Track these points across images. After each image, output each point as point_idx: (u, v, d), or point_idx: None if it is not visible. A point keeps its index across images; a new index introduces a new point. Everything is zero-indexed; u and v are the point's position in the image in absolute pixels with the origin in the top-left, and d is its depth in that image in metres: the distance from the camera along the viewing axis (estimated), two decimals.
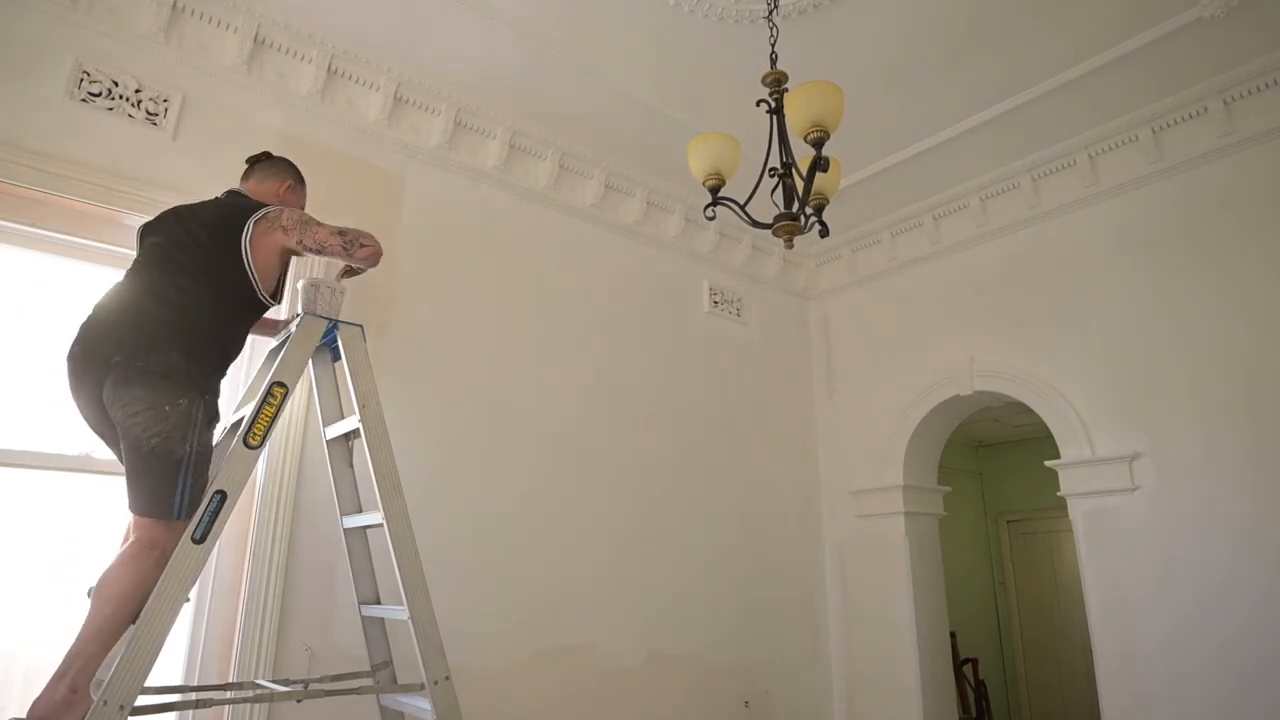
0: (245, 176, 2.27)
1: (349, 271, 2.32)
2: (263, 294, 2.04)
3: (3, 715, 2.17)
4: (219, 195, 2.18)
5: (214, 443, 1.97)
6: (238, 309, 2.03)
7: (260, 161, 2.30)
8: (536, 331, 3.43)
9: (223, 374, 2.02)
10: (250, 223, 2.02)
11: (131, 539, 1.82)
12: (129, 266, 2.01)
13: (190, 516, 1.80)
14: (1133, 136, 3.35)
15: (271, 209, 2.08)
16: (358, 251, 2.10)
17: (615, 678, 3.30)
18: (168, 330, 1.87)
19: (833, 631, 4.20)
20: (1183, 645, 2.99)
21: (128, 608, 1.72)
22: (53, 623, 2.25)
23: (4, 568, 2.25)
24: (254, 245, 2.00)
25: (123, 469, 1.86)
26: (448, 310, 3.16)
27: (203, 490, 1.85)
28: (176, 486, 1.81)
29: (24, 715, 1.66)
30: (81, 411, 1.90)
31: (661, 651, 3.49)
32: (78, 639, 1.71)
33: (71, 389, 1.88)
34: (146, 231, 2.05)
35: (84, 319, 1.90)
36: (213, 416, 1.92)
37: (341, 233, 2.09)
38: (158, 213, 2.15)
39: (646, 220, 3.96)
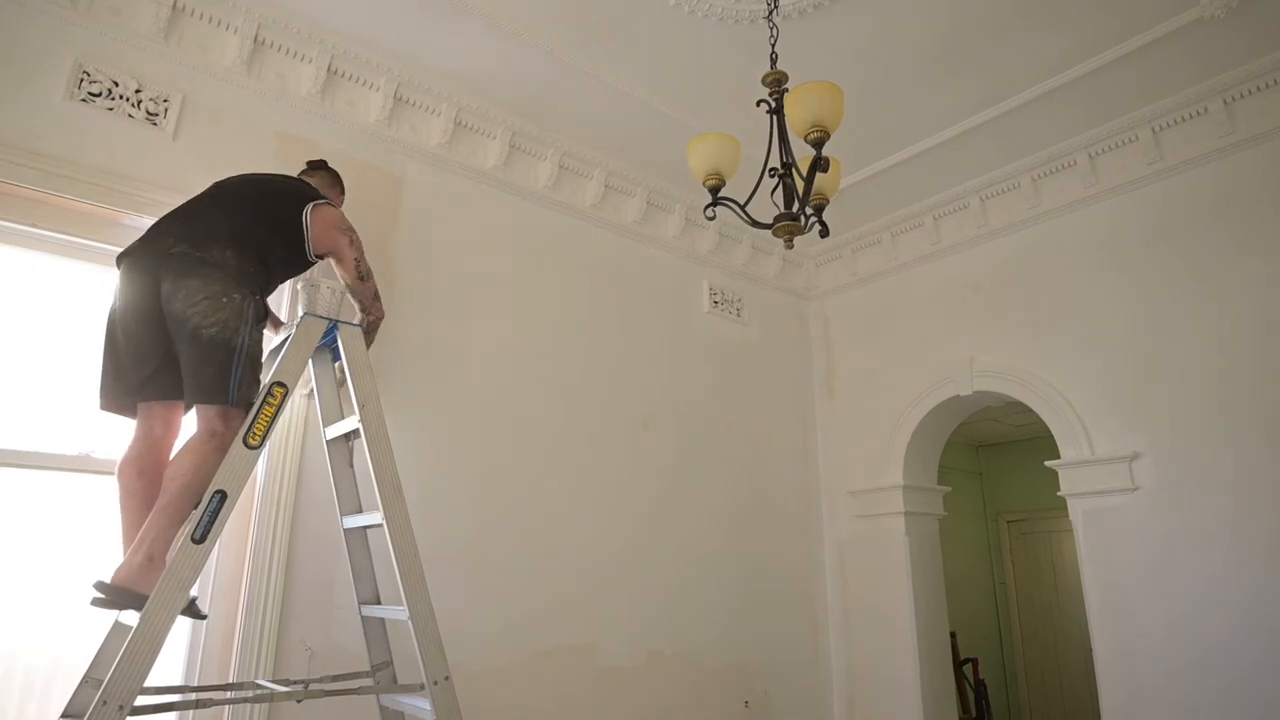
0: (304, 176, 2.51)
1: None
2: (310, 248, 2.24)
3: (3, 715, 2.17)
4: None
5: (263, 342, 2.11)
6: (282, 236, 2.20)
7: (321, 170, 2.59)
8: (536, 331, 3.43)
9: (266, 280, 2.14)
10: (323, 202, 2.30)
11: (197, 429, 1.96)
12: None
13: (244, 406, 1.96)
14: (1133, 137, 3.35)
15: (344, 221, 2.36)
16: (376, 306, 2.42)
17: (615, 677, 3.30)
18: (222, 228, 2.04)
19: (833, 631, 4.20)
20: (1181, 643, 2.99)
21: (191, 488, 1.87)
22: (52, 623, 2.26)
23: (4, 568, 2.25)
24: (316, 214, 2.25)
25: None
26: (447, 310, 3.16)
27: (253, 386, 2.00)
28: (231, 373, 1.93)
29: (107, 579, 1.80)
30: (127, 311, 1.96)
31: (661, 651, 3.49)
32: (151, 515, 1.87)
33: (122, 288, 1.98)
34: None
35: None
36: (261, 316, 2.07)
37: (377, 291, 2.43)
38: (159, 211, 2.25)
39: (647, 220, 3.96)
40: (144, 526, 1.87)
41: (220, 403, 1.94)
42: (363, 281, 2.36)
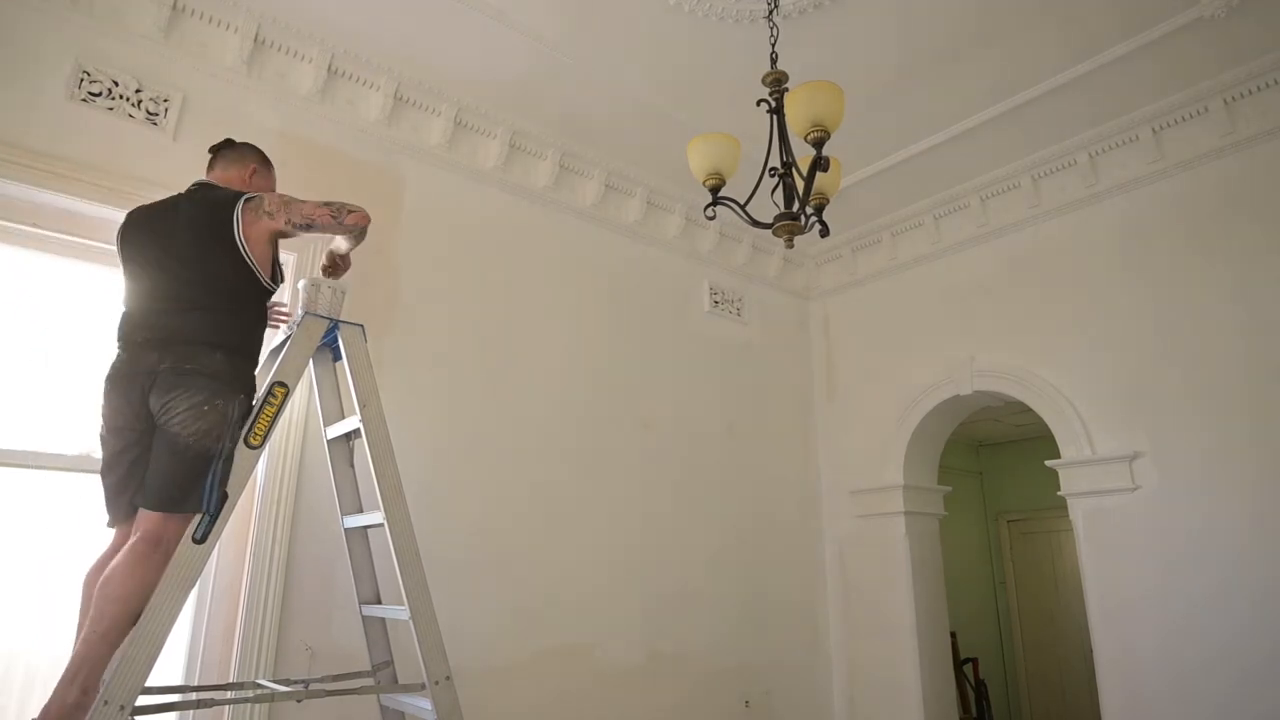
0: (210, 166, 2.22)
1: (332, 267, 2.34)
2: (265, 281, 2.04)
3: (3, 715, 2.17)
4: (190, 188, 2.09)
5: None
6: (251, 301, 2.04)
7: (224, 149, 2.24)
8: (537, 332, 3.43)
9: (255, 367, 2.06)
10: (237, 214, 1.99)
11: (137, 537, 1.79)
12: (130, 271, 2.01)
13: (217, 512, 1.84)
14: (1133, 136, 3.35)
15: (252, 196, 2.03)
16: (347, 218, 2.07)
17: (615, 678, 3.30)
18: (205, 333, 1.92)
19: (833, 631, 4.20)
20: (1183, 644, 2.99)
21: (134, 607, 1.71)
22: (53, 623, 2.26)
23: (4, 568, 2.25)
24: (245, 235, 1.99)
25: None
26: (448, 310, 3.16)
27: (224, 490, 1.88)
28: (206, 481, 1.84)
29: (36, 717, 1.63)
30: (113, 407, 1.91)
31: (662, 651, 3.49)
32: (85, 641, 1.68)
33: (107, 395, 1.91)
34: (134, 239, 2.03)
35: (121, 334, 1.95)
36: (246, 413, 1.95)
37: (327, 204, 2.06)
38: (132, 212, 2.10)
39: (647, 220, 3.96)
40: (78, 655, 1.68)
41: (188, 510, 1.84)
42: (311, 227, 2.05)
